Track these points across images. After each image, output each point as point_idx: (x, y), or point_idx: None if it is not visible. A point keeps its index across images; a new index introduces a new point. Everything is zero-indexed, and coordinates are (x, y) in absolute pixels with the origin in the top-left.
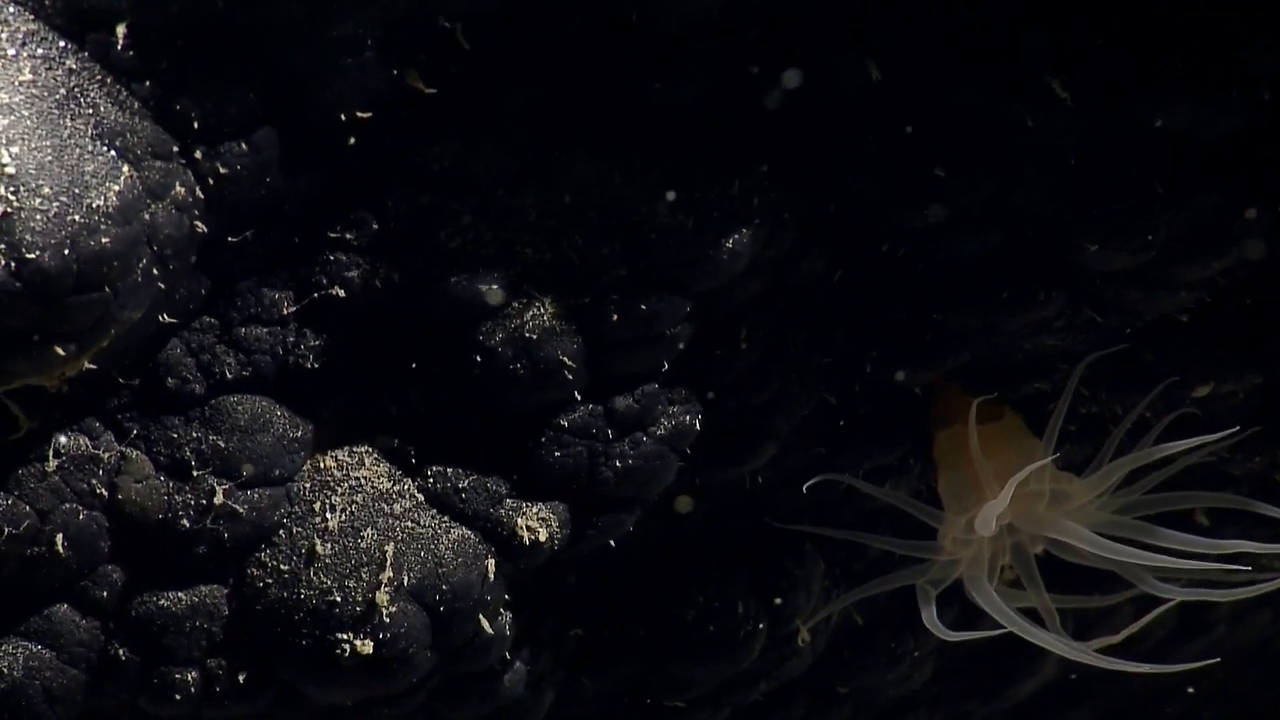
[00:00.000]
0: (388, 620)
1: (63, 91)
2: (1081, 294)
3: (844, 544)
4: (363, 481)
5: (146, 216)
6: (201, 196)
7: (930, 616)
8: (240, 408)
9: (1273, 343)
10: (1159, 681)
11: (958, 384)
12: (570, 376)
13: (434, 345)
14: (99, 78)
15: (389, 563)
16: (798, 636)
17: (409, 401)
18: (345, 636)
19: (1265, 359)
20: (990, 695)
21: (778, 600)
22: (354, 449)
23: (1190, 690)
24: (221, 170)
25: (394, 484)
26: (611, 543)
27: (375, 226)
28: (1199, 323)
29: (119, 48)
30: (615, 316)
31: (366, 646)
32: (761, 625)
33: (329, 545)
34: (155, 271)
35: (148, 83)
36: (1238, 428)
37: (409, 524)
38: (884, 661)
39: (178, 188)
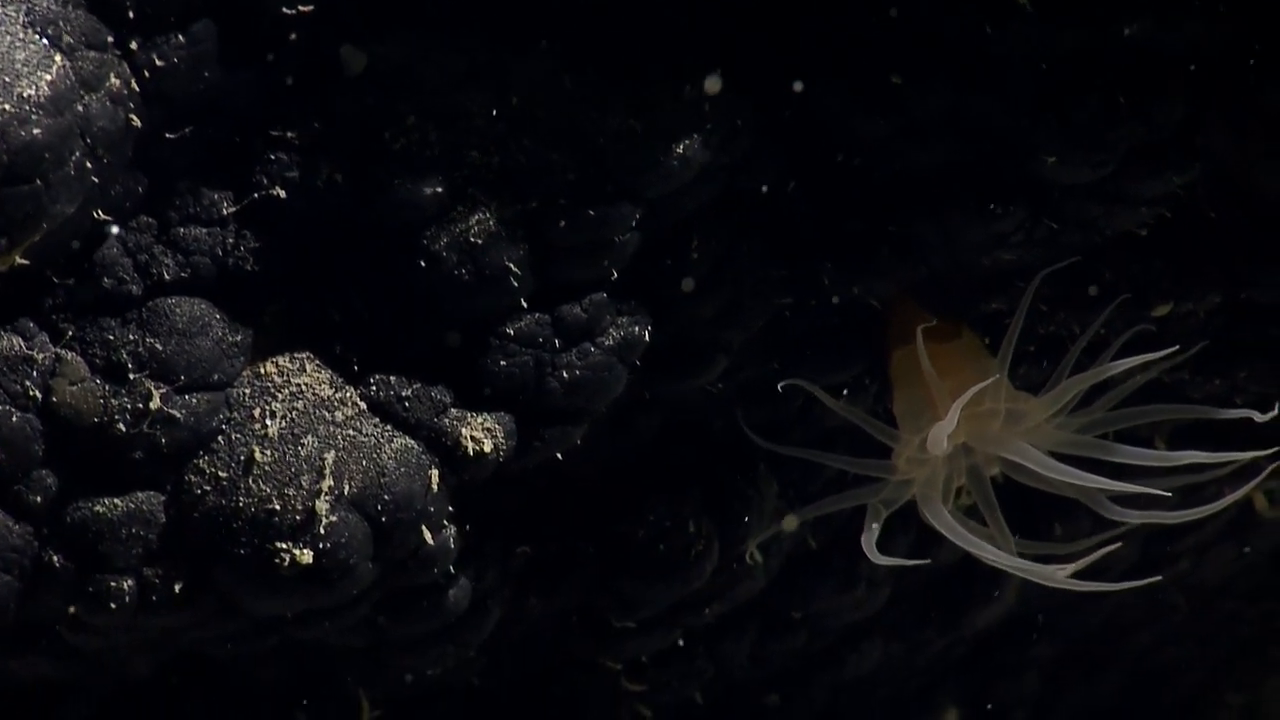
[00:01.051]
0: (328, 530)
1: None
2: (1041, 208)
3: (798, 464)
4: (304, 388)
5: (80, 108)
6: (137, 89)
7: (870, 539)
8: (178, 310)
9: (1235, 261)
10: (1122, 618)
11: (915, 302)
12: (516, 283)
13: (377, 249)
14: None
15: (329, 471)
16: (749, 556)
17: (352, 307)
18: (284, 546)
19: (1226, 278)
20: (947, 625)
21: (729, 520)
22: (295, 355)
23: (1154, 627)
24: (158, 62)
25: (336, 391)
26: (559, 456)
27: (317, 126)
28: (1159, 240)
29: None
30: (563, 222)
31: (306, 556)
32: (713, 545)
33: (268, 452)
34: (89, 165)
35: None
36: (1199, 344)
37: (350, 432)
38: (838, 586)
39: (112, 79)
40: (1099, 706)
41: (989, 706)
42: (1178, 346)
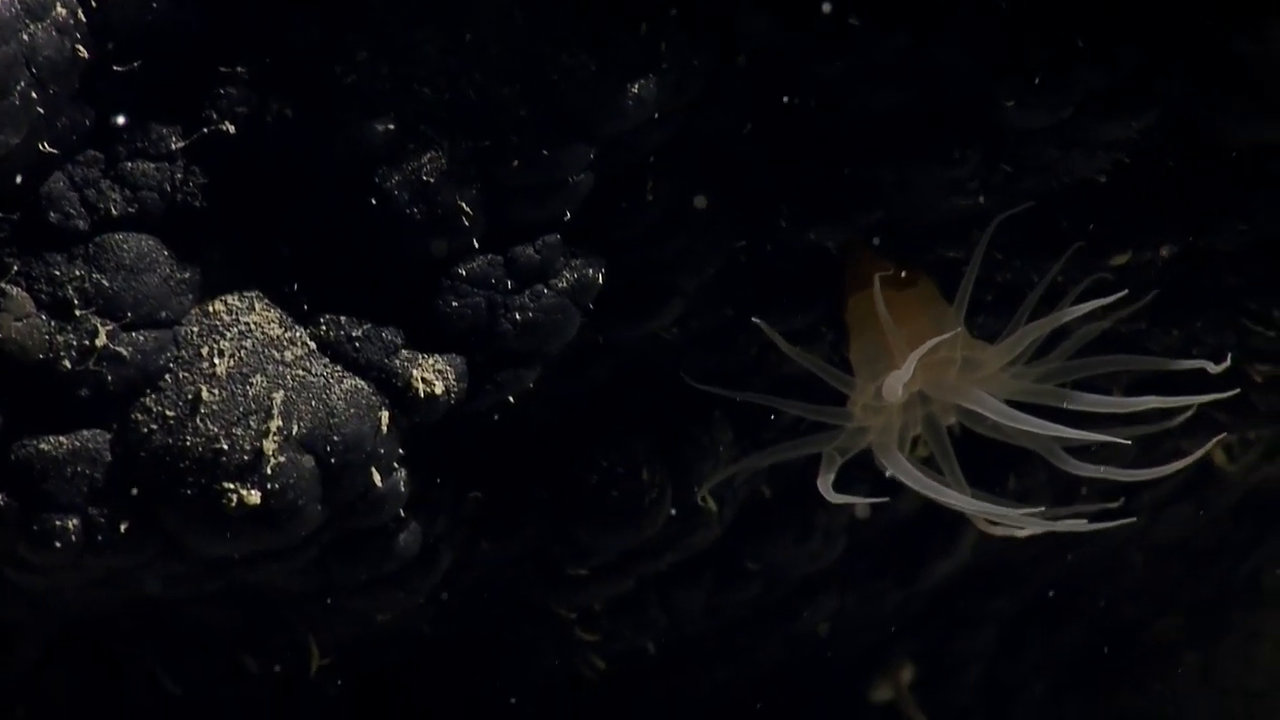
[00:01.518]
0: (276, 470)
1: None
2: (998, 152)
3: (753, 412)
4: (252, 327)
5: (25, 37)
6: (84, 20)
7: (826, 481)
8: (125, 246)
9: (1194, 210)
10: (1079, 576)
11: (872, 248)
12: (468, 223)
13: (328, 186)
14: None
15: (278, 411)
16: (704, 504)
17: (302, 245)
18: (231, 486)
19: (1185, 226)
20: (904, 577)
21: (683, 467)
22: (244, 293)
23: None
24: None
25: (285, 330)
26: (511, 399)
27: (267, 60)
28: (1118, 187)
29: None
30: (516, 161)
31: (253, 497)
32: (666, 493)
33: (216, 392)
34: (34, 95)
35: None
36: (1153, 293)
37: (299, 372)
38: (793, 536)
39: (58, 8)
40: (1055, 663)
41: (945, 661)
42: (1126, 291)
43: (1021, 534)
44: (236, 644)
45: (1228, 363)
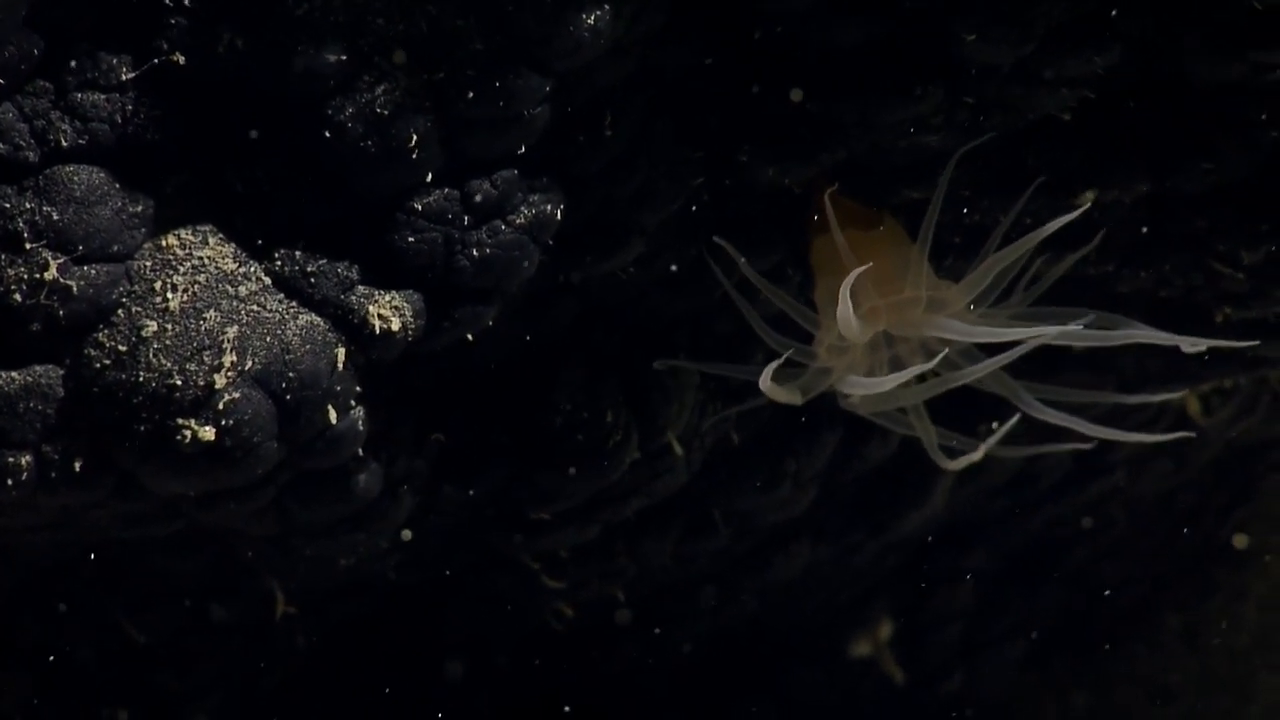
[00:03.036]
0: (230, 406)
1: None
2: (961, 89)
3: (719, 353)
4: (206, 261)
5: None
6: None
7: (767, 376)
8: (76, 178)
9: (1160, 149)
10: (1059, 533)
11: (837, 188)
12: (423, 156)
13: (281, 119)
14: None
15: (231, 347)
16: (670, 449)
17: (255, 179)
18: (185, 422)
19: (1153, 164)
20: (877, 528)
21: (648, 410)
22: (197, 227)
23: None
24: None
25: (239, 265)
26: (472, 339)
27: None
28: (1082, 124)
29: None
30: (471, 94)
31: (208, 433)
32: (631, 436)
33: (169, 327)
34: None
35: None
36: (1101, 232)
37: (254, 307)
38: (762, 483)
39: None
40: (1036, 622)
41: (924, 618)
42: (1101, 234)
43: (977, 456)
44: (203, 593)
45: (1202, 348)
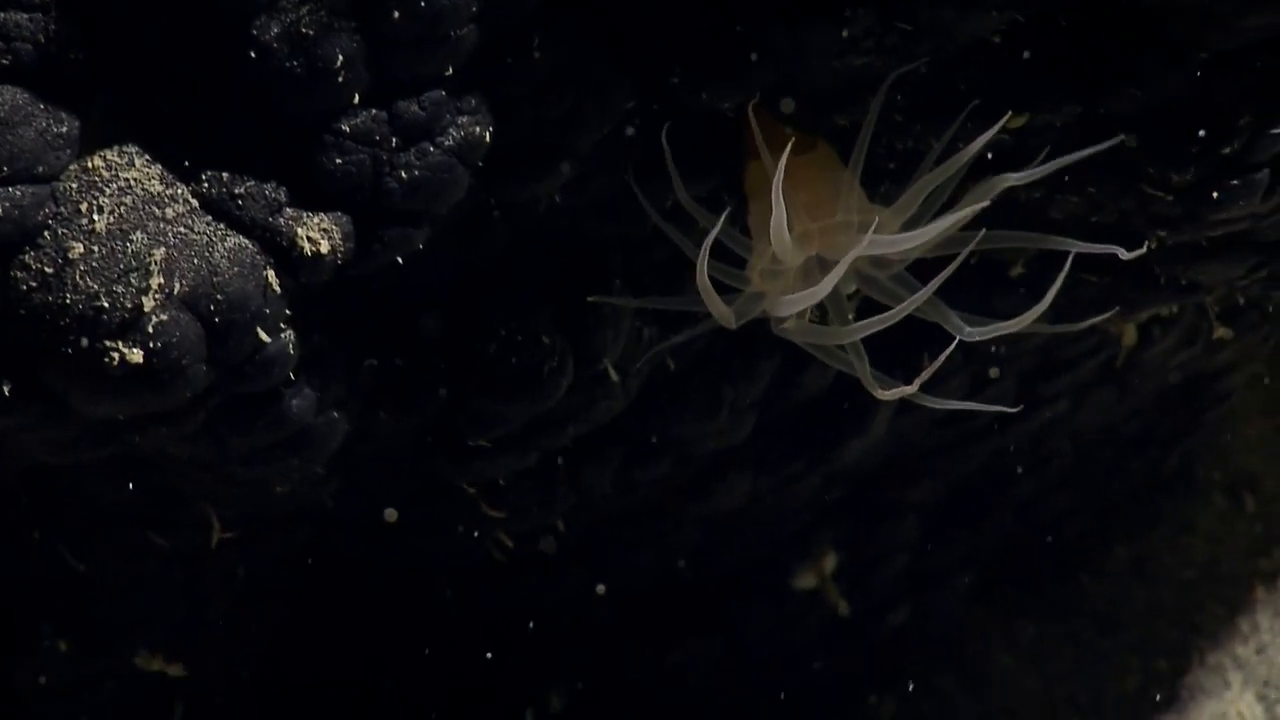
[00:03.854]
0: (157, 329)
1: None
2: (892, 11)
3: (654, 279)
4: (132, 183)
5: None
6: None
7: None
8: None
9: (1091, 72)
10: (1005, 464)
11: (770, 113)
12: (350, 77)
13: (207, 40)
14: None
15: (158, 269)
16: (606, 376)
17: (182, 100)
18: (113, 344)
19: (1084, 87)
20: (817, 457)
21: (584, 336)
22: (124, 149)
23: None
24: None
25: (166, 187)
26: (401, 261)
27: None
28: (1013, 48)
29: None
30: (397, 14)
31: (136, 355)
32: (567, 361)
33: (96, 248)
34: None
35: None
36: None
37: (181, 229)
38: (700, 411)
39: None
40: (983, 555)
41: (869, 551)
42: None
43: (911, 390)
44: (142, 522)
45: (1142, 250)
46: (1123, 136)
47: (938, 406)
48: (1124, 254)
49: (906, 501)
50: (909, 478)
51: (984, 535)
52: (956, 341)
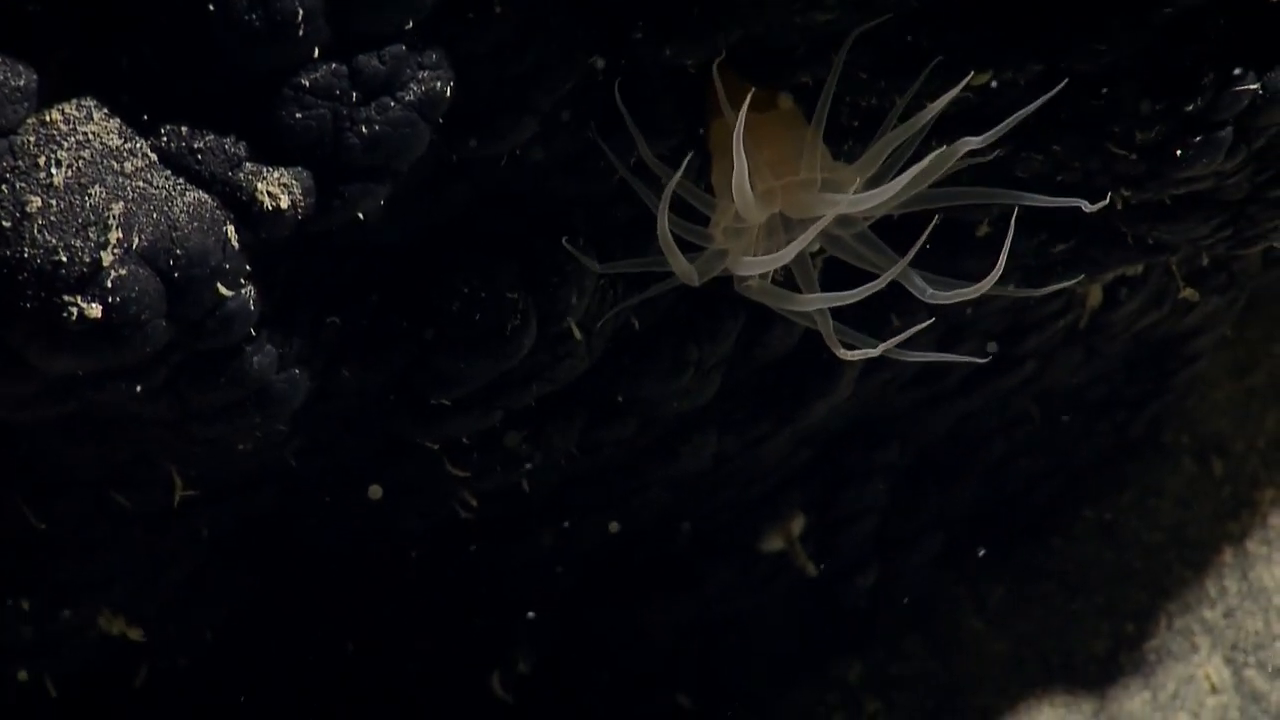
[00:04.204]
0: (116, 283)
1: None
2: None
3: (619, 240)
4: (91, 137)
5: None
6: None
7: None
8: None
9: (1054, 29)
10: (973, 427)
11: (733, 71)
12: (309, 31)
13: None
14: None
15: (117, 223)
16: (570, 334)
17: (140, 54)
18: (71, 299)
19: (1046, 44)
20: (783, 418)
21: (547, 294)
22: (82, 102)
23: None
24: None
25: (125, 141)
26: (362, 217)
27: None
28: (978, 5)
29: None
30: None
31: (94, 310)
32: (530, 319)
33: (54, 202)
34: None
35: None
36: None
37: (140, 184)
38: (665, 371)
39: None
40: (951, 518)
41: (837, 514)
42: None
43: (875, 352)
44: (104, 481)
45: (1105, 201)
46: (1064, 83)
47: (911, 360)
48: (1088, 206)
49: (874, 464)
50: (877, 440)
51: (952, 498)
52: (930, 321)
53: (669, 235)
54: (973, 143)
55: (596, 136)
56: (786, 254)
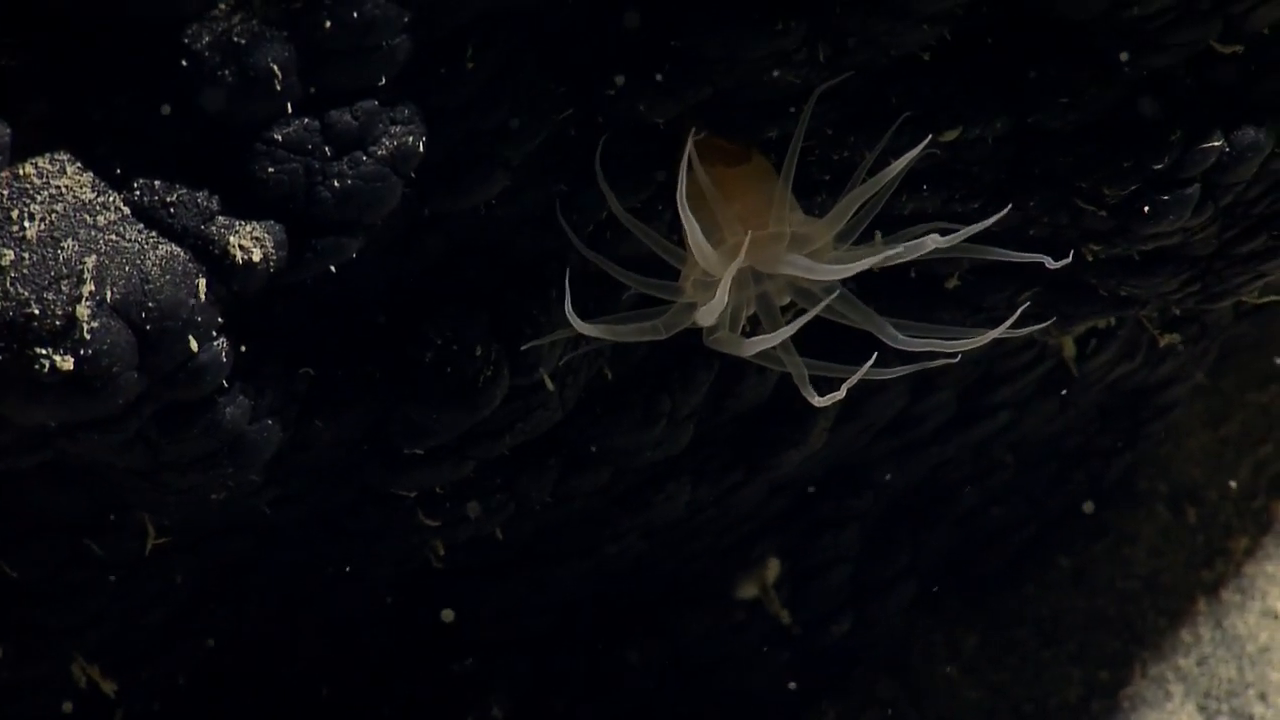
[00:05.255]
0: (89, 336)
1: None
2: (824, 25)
3: (592, 292)
4: (64, 190)
5: None
6: None
7: (588, 325)
8: None
9: (1022, 86)
10: (948, 475)
11: (706, 125)
12: (282, 86)
13: (138, 48)
14: None
15: (90, 276)
16: (543, 385)
17: (114, 108)
18: (44, 351)
19: (1014, 101)
20: (755, 467)
21: (520, 345)
22: (55, 156)
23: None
24: None
25: (98, 195)
26: (335, 270)
27: None
28: (943, 62)
29: None
30: (329, 24)
31: (67, 362)
32: (503, 371)
33: (27, 255)
34: None
35: None
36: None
37: (113, 237)
38: (638, 421)
39: None
40: (926, 565)
41: (811, 561)
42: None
43: (839, 397)
44: (79, 528)
45: (1069, 259)
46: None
47: (888, 377)
48: (1050, 263)
49: (849, 511)
50: (851, 488)
51: (927, 545)
52: (926, 363)
53: (700, 237)
54: (940, 242)
55: (561, 220)
56: (759, 342)
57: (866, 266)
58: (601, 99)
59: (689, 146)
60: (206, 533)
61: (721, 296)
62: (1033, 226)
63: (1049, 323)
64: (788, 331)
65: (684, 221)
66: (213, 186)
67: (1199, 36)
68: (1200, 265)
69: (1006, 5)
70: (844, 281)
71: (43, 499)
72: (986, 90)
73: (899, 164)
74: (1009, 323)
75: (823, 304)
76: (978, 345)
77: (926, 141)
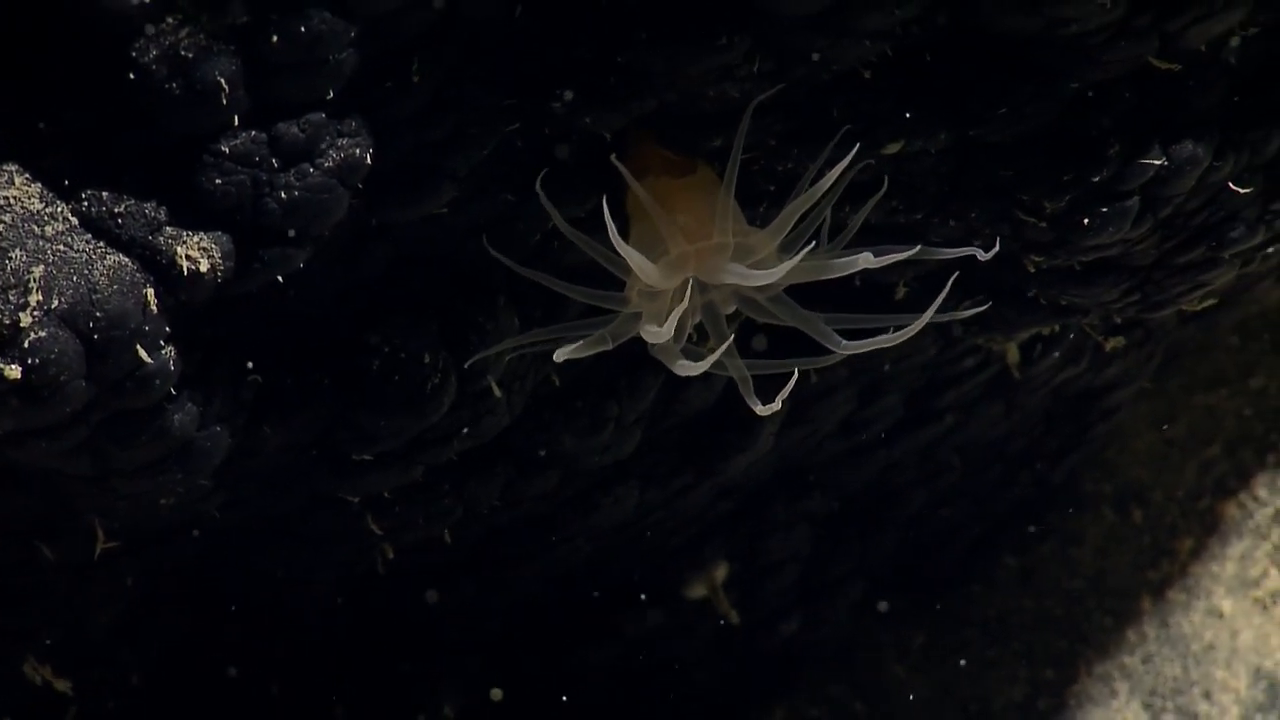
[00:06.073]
0: (35, 345)
1: None
2: (766, 40)
3: (540, 300)
4: (11, 201)
5: None
6: None
7: (564, 351)
8: None
9: (963, 100)
10: (896, 477)
11: (651, 137)
12: (229, 99)
13: (86, 60)
14: None
15: (37, 286)
16: (490, 392)
17: (61, 120)
18: None
19: (955, 115)
20: (704, 471)
21: (467, 353)
22: (3, 167)
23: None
24: None
25: (46, 205)
26: (284, 282)
27: None
28: (889, 78)
29: None
30: (276, 38)
31: (14, 371)
32: (450, 378)
33: None
34: None
35: None
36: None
37: (61, 247)
38: (585, 426)
39: None
40: (874, 565)
41: (760, 561)
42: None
43: (775, 407)
44: (29, 532)
45: (997, 248)
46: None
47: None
48: (982, 255)
49: (797, 513)
50: (799, 490)
51: (874, 546)
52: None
53: (630, 250)
54: (872, 261)
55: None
56: (704, 366)
57: (793, 266)
58: (548, 112)
59: (631, 165)
60: (156, 536)
61: (668, 329)
62: (975, 238)
63: (985, 306)
64: (708, 363)
65: (619, 250)
66: (161, 198)
67: (1137, 53)
68: (1140, 275)
69: (948, 22)
70: (789, 289)
71: None
72: (929, 104)
73: (831, 176)
74: (935, 306)
75: (727, 344)
76: (914, 331)
77: (854, 152)
